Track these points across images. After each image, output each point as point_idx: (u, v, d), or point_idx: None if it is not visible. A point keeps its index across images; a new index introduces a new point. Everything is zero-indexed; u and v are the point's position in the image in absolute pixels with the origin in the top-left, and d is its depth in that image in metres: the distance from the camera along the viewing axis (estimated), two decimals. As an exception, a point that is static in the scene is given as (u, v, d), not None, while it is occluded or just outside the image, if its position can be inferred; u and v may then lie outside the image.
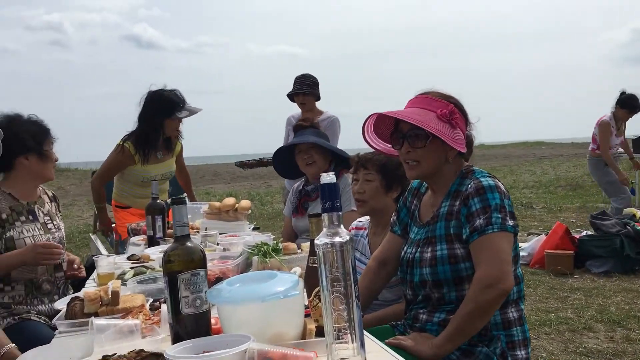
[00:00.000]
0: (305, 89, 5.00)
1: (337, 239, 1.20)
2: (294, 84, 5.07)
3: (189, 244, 1.55)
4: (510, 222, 1.96)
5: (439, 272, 2.02)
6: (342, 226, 1.22)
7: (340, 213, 1.23)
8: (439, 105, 2.05)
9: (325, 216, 1.23)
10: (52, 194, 3.09)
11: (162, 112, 4.15)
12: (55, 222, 2.94)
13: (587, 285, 5.35)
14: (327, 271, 1.20)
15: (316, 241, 1.22)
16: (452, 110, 2.03)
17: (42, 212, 2.88)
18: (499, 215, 1.94)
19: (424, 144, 2.04)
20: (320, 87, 5.16)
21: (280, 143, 5.16)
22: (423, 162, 2.07)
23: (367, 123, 2.17)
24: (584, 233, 6.45)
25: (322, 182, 1.23)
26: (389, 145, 2.19)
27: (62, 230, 2.99)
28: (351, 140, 3.56)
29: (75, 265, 2.90)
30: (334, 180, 1.23)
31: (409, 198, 2.31)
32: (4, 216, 2.69)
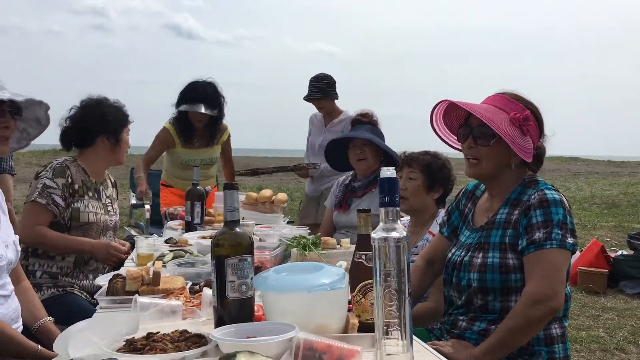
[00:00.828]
0: (318, 94, 4.76)
1: (394, 234, 1.19)
2: (309, 88, 4.84)
3: (238, 229, 1.56)
4: (570, 240, 1.90)
5: (487, 280, 1.98)
6: (399, 222, 1.21)
7: (398, 208, 1.22)
8: (515, 107, 1.99)
9: (382, 210, 1.22)
10: (115, 180, 3.22)
11: (180, 101, 4.31)
12: (114, 206, 3.07)
13: (620, 305, 5.24)
14: (381, 266, 1.20)
15: (372, 235, 1.21)
16: (527, 116, 1.97)
17: (105, 194, 3.01)
18: (560, 232, 1.89)
19: (488, 143, 1.99)
20: (340, 85, 4.87)
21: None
22: (484, 161, 2.03)
23: (437, 109, 2.10)
24: (619, 252, 6.31)
25: (381, 176, 1.22)
26: (454, 137, 2.15)
27: (118, 215, 3.12)
28: (386, 141, 3.54)
29: (125, 248, 2.97)
30: (394, 175, 1.22)
31: (462, 201, 2.26)
32: (76, 187, 2.83)
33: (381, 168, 1.24)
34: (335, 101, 4.87)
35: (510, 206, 2.02)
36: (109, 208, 3.01)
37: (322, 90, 4.74)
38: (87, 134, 2.90)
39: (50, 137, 2.79)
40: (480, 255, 2.02)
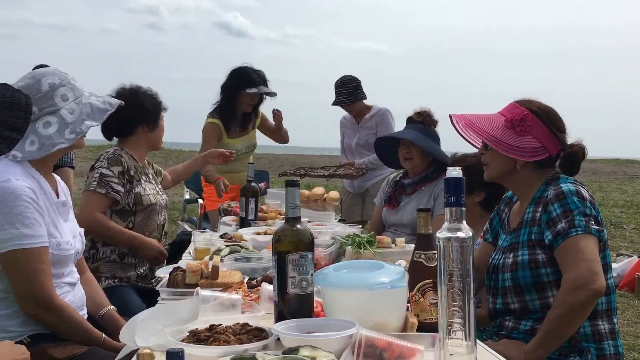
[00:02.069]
0: (348, 100, 4.72)
1: (460, 234, 1.19)
2: (336, 93, 4.78)
3: (299, 226, 1.58)
4: (595, 227, 1.92)
5: (519, 277, 2.01)
6: (464, 222, 1.21)
7: (463, 208, 1.21)
8: (514, 111, 2.06)
9: (447, 210, 1.22)
10: (157, 167, 3.32)
11: (236, 85, 4.33)
12: (158, 186, 3.18)
13: (681, 313, 5.03)
14: (445, 266, 1.19)
15: (438, 234, 1.21)
16: (523, 117, 2.02)
17: (151, 176, 3.14)
18: (582, 219, 1.91)
19: (487, 148, 2.10)
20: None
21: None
22: (491, 164, 2.13)
23: (454, 123, 2.20)
24: (680, 258, 6.07)
25: (447, 176, 1.22)
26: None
27: (165, 194, 3.22)
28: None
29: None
30: (460, 175, 1.21)
31: (501, 207, 2.31)
32: (132, 172, 2.93)
33: (447, 168, 1.24)
34: (364, 100, 4.85)
35: (535, 204, 2.06)
36: (157, 188, 3.13)
37: (350, 94, 4.72)
38: (127, 124, 2.98)
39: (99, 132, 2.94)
40: (512, 255, 2.06)
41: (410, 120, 3.52)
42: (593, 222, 1.92)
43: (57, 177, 2.15)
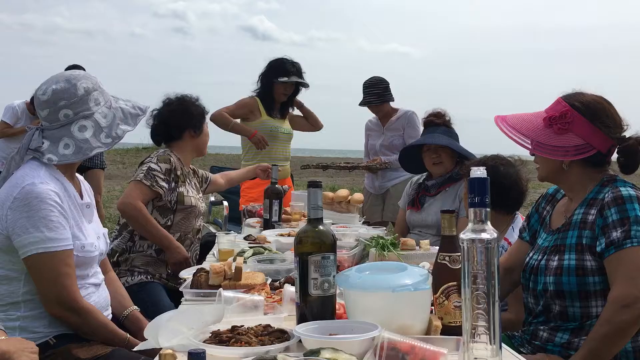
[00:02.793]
0: (377, 101, 4.68)
1: (484, 235, 1.17)
2: (365, 93, 4.73)
3: (321, 227, 1.57)
4: None
5: (563, 283, 1.92)
6: (489, 223, 1.18)
7: (488, 209, 1.19)
8: (556, 108, 1.96)
9: (471, 211, 1.19)
10: (203, 173, 3.46)
11: (272, 73, 4.46)
12: (200, 193, 3.28)
13: None
14: (469, 267, 1.17)
15: (461, 235, 1.19)
16: (563, 113, 1.92)
17: (194, 182, 3.25)
18: (639, 229, 1.81)
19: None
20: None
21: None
22: (541, 165, 2.05)
23: (501, 126, 2.10)
24: None
25: (472, 176, 1.20)
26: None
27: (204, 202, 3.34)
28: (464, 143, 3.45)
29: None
30: (485, 175, 1.19)
31: (542, 204, 2.22)
32: (178, 173, 3.05)
33: (471, 168, 1.21)
34: (391, 102, 4.80)
35: (587, 206, 1.96)
36: (199, 195, 3.24)
37: (380, 95, 4.67)
38: (175, 129, 3.13)
39: (132, 137, 2.97)
40: (557, 257, 1.96)
41: (430, 122, 3.48)
42: None
43: (81, 178, 2.17)
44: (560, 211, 2.10)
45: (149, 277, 2.91)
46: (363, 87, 4.75)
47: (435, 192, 3.36)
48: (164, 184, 2.95)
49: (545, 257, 2.01)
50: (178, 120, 3.12)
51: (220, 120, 4.46)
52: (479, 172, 1.19)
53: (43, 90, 1.98)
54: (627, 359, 1.88)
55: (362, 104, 4.76)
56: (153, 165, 2.97)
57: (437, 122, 3.42)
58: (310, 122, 4.86)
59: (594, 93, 2.00)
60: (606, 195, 1.90)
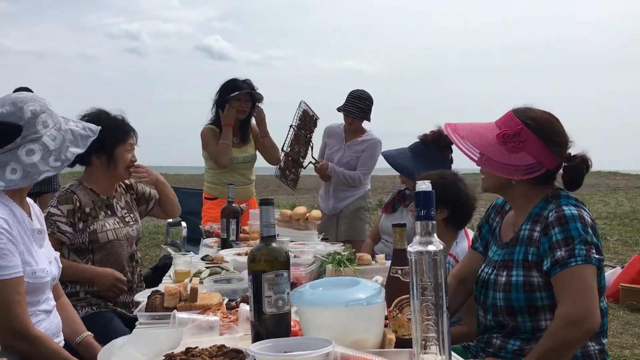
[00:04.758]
0: (358, 114, 4.62)
1: (431, 248, 1.19)
2: (348, 102, 4.66)
3: (274, 244, 1.58)
4: (596, 255, 1.85)
5: (512, 299, 1.95)
6: (435, 235, 1.21)
7: (434, 222, 1.21)
8: (509, 124, 1.94)
9: (418, 224, 1.22)
10: (129, 182, 3.11)
11: (223, 93, 4.37)
12: (132, 215, 3.02)
13: (665, 323, 5.06)
14: (417, 280, 1.19)
15: (409, 248, 1.21)
16: (516, 132, 1.91)
17: (120, 206, 2.96)
18: (583, 247, 1.84)
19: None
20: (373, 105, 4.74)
21: None
22: (487, 177, 2.06)
23: (450, 133, 2.09)
24: (663, 269, 6.11)
25: (417, 190, 1.23)
26: None
27: (140, 222, 3.07)
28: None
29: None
30: (430, 189, 1.22)
31: (491, 215, 2.24)
32: (87, 210, 2.80)
33: (417, 182, 1.24)
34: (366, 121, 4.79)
35: (532, 222, 1.98)
36: (127, 219, 2.96)
37: (363, 111, 4.62)
38: (78, 155, 2.69)
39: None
40: (505, 273, 1.99)
41: (419, 139, 3.44)
42: (594, 251, 1.85)
43: (32, 202, 2.12)
44: (509, 223, 2.13)
45: (94, 307, 2.76)
46: (349, 95, 4.68)
47: (409, 203, 3.41)
48: (67, 228, 2.71)
49: (494, 271, 2.04)
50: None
51: (227, 156, 4.38)
52: (424, 185, 1.22)
53: None
54: None
55: (341, 109, 4.69)
56: (53, 210, 2.72)
57: (418, 140, 3.41)
58: (268, 154, 4.65)
59: (542, 109, 2.01)
60: (550, 213, 1.92)
